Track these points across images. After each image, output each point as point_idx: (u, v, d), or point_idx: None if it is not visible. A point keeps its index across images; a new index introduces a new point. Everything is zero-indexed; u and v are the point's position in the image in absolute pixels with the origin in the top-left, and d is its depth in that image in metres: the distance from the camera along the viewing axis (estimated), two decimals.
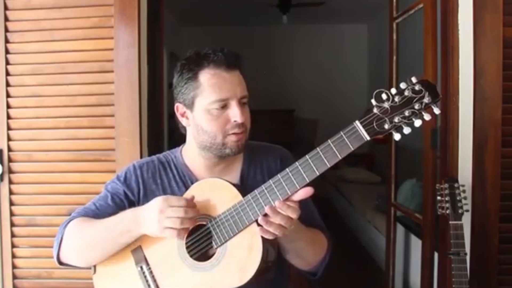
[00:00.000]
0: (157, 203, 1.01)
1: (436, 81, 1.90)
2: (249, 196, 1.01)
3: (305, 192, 0.98)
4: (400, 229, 2.78)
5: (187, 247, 1.07)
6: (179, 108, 1.15)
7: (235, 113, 1.07)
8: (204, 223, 1.06)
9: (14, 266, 1.91)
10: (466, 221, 1.67)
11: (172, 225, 0.99)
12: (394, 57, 2.44)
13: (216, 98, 1.07)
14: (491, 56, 1.72)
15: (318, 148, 0.95)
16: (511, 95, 1.73)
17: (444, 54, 1.85)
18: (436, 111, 0.89)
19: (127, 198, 1.18)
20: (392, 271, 2.54)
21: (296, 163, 0.97)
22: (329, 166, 0.95)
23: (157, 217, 0.99)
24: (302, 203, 1.03)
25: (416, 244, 2.54)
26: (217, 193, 1.06)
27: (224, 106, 1.07)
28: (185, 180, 1.18)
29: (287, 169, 0.98)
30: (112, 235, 1.09)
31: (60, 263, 1.17)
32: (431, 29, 1.92)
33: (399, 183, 2.76)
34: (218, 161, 1.16)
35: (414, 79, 0.90)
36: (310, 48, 6.60)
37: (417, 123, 0.89)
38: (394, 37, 2.42)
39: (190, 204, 1.01)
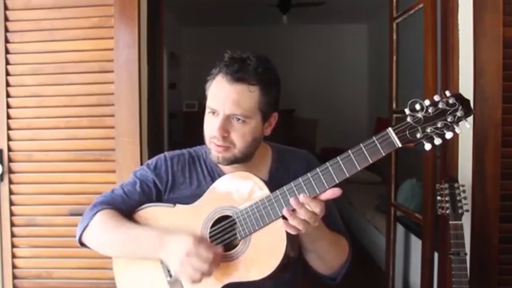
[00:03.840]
0: (187, 243, 1.01)
1: (436, 81, 1.91)
2: (277, 192, 1.03)
3: (333, 192, 0.99)
4: (400, 229, 2.77)
5: (210, 237, 1.09)
6: None
7: (215, 124, 1.09)
8: (230, 214, 1.08)
9: (14, 266, 1.91)
10: (466, 221, 1.67)
11: (191, 274, 1.01)
12: (394, 57, 2.43)
13: (208, 104, 1.12)
14: (491, 56, 1.72)
15: (349, 151, 0.97)
16: (511, 95, 1.73)
17: (444, 54, 1.85)
18: (468, 125, 0.92)
19: (155, 187, 1.20)
20: (392, 271, 2.54)
21: (327, 163, 0.99)
22: (359, 169, 0.97)
23: (181, 258, 1.01)
24: (326, 205, 1.04)
25: (416, 244, 2.54)
26: (245, 185, 1.08)
27: (216, 114, 1.10)
28: (214, 176, 1.20)
29: (317, 169, 1.00)
30: (134, 247, 1.11)
31: (81, 244, 1.20)
32: (431, 29, 1.91)
33: (399, 183, 2.76)
34: (240, 164, 1.16)
35: (448, 93, 0.92)
36: (310, 48, 6.60)
37: (448, 135, 0.91)
38: (394, 37, 2.41)
39: (217, 259, 1.02)
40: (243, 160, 1.14)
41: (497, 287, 1.75)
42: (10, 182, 1.90)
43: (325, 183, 0.99)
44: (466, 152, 1.76)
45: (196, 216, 1.12)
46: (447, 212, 1.62)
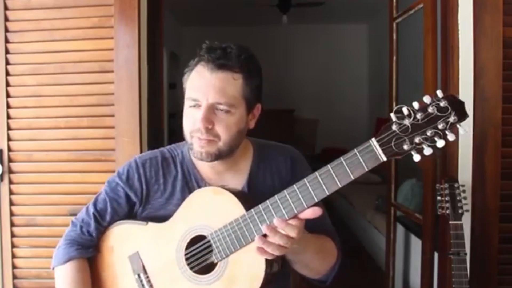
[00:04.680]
0: None
1: (436, 81, 1.91)
2: (252, 211, 0.96)
3: (313, 213, 0.91)
4: (400, 229, 2.78)
5: (186, 259, 1.04)
6: None
7: (198, 116, 1.01)
8: (205, 234, 1.02)
9: (14, 266, 1.91)
10: (466, 221, 1.67)
11: None
12: (394, 57, 2.43)
13: (189, 95, 1.05)
14: (491, 56, 1.72)
15: (329, 166, 0.88)
16: (511, 95, 1.73)
17: (444, 54, 1.85)
18: (462, 131, 0.81)
19: (128, 201, 1.15)
20: (392, 271, 2.54)
21: (305, 179, 0.90)
22: (340, 186, 0.87)
23: None
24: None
25: (416, 244, 2.54)
26: (219, 203, 1.02)
27: (198, 106, 1.03)
28: (190, 179, 1.13)
29: (294, 186, 0.91)
30: None
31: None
32: (431, 29, 1.91)
33: (399, 183, 2.76)
34: (220, 162, 1.09)
35: (440, 93, 0.81)
36: (310, 48, 6.60)
37: (440, 143, 0.81)
38: (394, 37, 2.41)
39: None
40: (227, 155, 1.07)
41: (497, 287, 1.75)
42: (10, 182, 1.90)
43: (303, 202, 0.90)
44: (466, 152, 1.76)
45: (169, 236, 1.07)
46: (447, 212, 1.62)
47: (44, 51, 1.88)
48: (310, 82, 6.65)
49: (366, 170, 0.86)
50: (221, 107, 1.02)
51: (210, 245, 1.01)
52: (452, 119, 0.80)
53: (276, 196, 0.93)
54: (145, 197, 1.14)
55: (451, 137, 0.81)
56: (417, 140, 0.82)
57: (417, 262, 2.26)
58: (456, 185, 1.64)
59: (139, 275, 1.10)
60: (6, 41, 1.87)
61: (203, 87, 1.02)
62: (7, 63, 1.87)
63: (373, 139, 0.85)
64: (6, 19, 1.87)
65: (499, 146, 1.73)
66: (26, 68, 1.88)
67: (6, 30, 1.87)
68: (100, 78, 1.87)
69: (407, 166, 2.77)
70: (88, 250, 1.16)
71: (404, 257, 2.78)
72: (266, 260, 0.95)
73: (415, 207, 2.65)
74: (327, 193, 0.89)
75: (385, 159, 0.84)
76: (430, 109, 0.81)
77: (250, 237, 0.96)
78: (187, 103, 1.06)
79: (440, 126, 0.80)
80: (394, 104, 2.43)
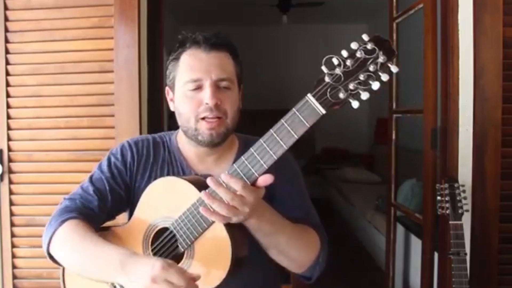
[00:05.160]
0: (153, 268, 0.84)
1: (436, 81, 1.91)
2: (206, 191, 0.92)
3: (264, 180, 0.89)
4: (400, 229, 2.78)
5: (154, 254, 1.02)
6: (169, 92, 1.12)
7: (205, 95, 1.01)
8: (167, 226, 1.00)
9: (14, 266, 1.92)
10: (466, 221, 1.67)
11: None
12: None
13: (188, 78, 1.03)
14: (491, 56, 1.72)
15: (271, 130, 0.88)
16: (511, 95, 1.73)
17: (444, 54, 1.85)
18: (394, 69, 0.82)
19: (123, 179, 1.13)
20: (392, 271, 2.54)
21: (251, 149, 0.89)
22: (286, 148, 0.87)
23: (146, 285, 0.83)
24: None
25: (416, 244, 2.54)
26: (174, 192, 1.00)
27: (199, 87, 1.03)
28: (176, 164, 1.13)
29: (242, 157, 0.90)
30: (94, 267, 0.97)
31: (50, 255, 1.06)
32: (431, 29, 1.92)
33: (399, 183, 2.76)
34: (208, 151, 1.09)
35: (365, 37, 0.83)
36: (310, 48, 6.59)
37: (375, 85, 0.82)
38: (394, 37, 2.41)
39: (191, 286, 0.83)
40: (229, 136, 1.07)
41: (497, 287, 1.75)
42: (10, 182, 1.90)
43: (254, 172, 0.88)
44: (466, 152, 1.76)
45: (133, 235, 1.05)
46: (447, 212, 1.63)
47: (44, 51, 1.88)
48: (310, 82, 6.58)
49: (308, 126, 0.86)
50: (224, 83, 1.03)
51: (174, 235, 0.99)
52: (381, 59, 0.81)
53: (227, 171, 0.91)
54: (135, 172, 1.13)
55: (384, 77, 0.82)
56: (351, 86, 0.83)
57: (417, 262, 2.26)
58: (456, 185, 1.64)
59: (112, 283, 1.05)
60: (6, 41, 1.87)
61: (204, 67, 1.02)
62: (7, 63, 1.88)
63: (309, 94, 0.86)
64: (6, 19, 1.87)
65: (499, 146, 1.73)
66: (26, 68, 1.89)
67: (6, 30, 1.87)
68: (100, 78, 1.87)
69: (407, 166, 2.78)
70: (92, 223, 1.05)
71: (404, 257, 2.78)
72: (232, 243, 0.93)
73: (415, 207, 2.65)
74: (275, 158, 0.88)
75: (324, 111, 0.85)
76: (358, 54, 0.82)
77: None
78: (185, 88, 1.04)
79: (371, 68, 0.81)
80: (394, 104, 2.44)
